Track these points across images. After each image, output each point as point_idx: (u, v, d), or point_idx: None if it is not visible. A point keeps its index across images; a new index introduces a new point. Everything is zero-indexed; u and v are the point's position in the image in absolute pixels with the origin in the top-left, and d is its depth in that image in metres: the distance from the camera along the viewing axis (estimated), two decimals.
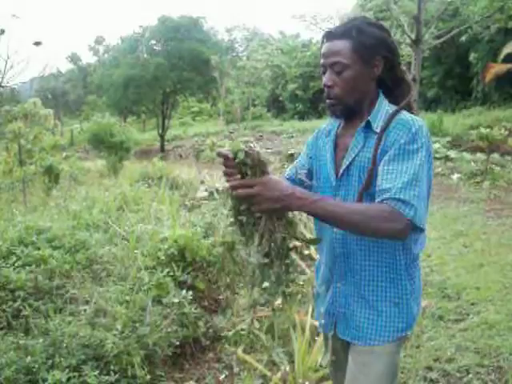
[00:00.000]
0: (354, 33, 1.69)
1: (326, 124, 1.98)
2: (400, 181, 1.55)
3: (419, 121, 1.67)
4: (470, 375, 3.36)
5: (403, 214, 1.51)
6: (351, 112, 1.77)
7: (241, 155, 1.48)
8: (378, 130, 1.69)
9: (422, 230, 1.60)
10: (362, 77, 1.72)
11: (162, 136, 34.41)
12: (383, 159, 1.64)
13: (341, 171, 1.78)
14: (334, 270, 1.84)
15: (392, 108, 1.74)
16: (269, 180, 1.48)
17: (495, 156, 14.59)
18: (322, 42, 1.77)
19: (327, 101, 1.77)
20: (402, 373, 3.32)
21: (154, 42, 38.61)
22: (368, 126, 1.74)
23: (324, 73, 1.76)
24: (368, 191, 1.67)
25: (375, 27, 1.73)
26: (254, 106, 41.19)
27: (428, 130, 1.67)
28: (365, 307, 1.79)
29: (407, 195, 1.53)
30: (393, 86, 1.81)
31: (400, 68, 1.79)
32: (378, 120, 1.73)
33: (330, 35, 1.74)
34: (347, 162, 1.76)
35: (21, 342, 2.99)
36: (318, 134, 2.00)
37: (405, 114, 1.70)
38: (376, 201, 1.58)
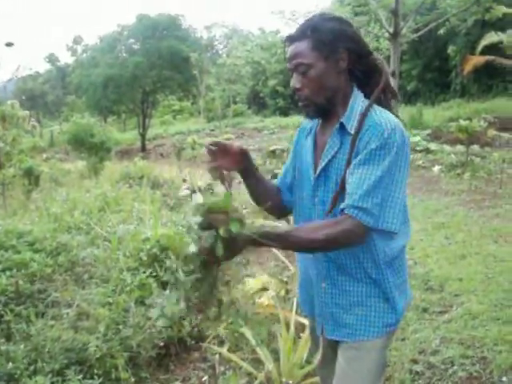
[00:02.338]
0: (309, 32, 1.68)
1: (307, 121, 1.95)
2: (363, 188, 1.56)
3: (392, 121, 1.63)
4: (455, 367, 3.38)
5: (363, 222, 1.55)
6: (325, 111, 1.75)
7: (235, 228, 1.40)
8: (352, 131, 1.67)
9: (393, 233, 1.63)
10: (327, 73, 1.69)
11: (142, 135, 34.19)
12: (352, 162, 1.63)
13: (317, 171, 1.76)
14: (317, 271, 1.82)
15: (365, 104, 1.70)
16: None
17: (475, 147, 14.77)
18: (285, 46, 1.76)
19: (299, 103, 1.76)
20: (388, 366, 3.33)
21: (132, 40, 38.29)
22: (342, 127, 1.72)
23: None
24: (343, 194, 1.65)
25: (333, 21, 1.71)
26: (235, 103, 41.23)
27: (403, 128, 1.64)
28: (353, 304, 1.77)
29: (369, 203, 1.55)
30: (365, 77, 1.77)
31: (371, 57, 1.76)
32: (351, 120, 1.70)
33: (290, 38, 1.73)
34: (323, 163, 1.74)
35: (2, 347, 2.96)
36: (300, 133, 1.97)
37: (378, 114, 1.66)
38: (340, 207, 1.61)
